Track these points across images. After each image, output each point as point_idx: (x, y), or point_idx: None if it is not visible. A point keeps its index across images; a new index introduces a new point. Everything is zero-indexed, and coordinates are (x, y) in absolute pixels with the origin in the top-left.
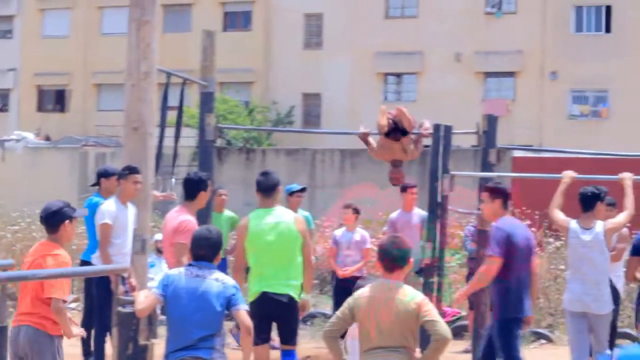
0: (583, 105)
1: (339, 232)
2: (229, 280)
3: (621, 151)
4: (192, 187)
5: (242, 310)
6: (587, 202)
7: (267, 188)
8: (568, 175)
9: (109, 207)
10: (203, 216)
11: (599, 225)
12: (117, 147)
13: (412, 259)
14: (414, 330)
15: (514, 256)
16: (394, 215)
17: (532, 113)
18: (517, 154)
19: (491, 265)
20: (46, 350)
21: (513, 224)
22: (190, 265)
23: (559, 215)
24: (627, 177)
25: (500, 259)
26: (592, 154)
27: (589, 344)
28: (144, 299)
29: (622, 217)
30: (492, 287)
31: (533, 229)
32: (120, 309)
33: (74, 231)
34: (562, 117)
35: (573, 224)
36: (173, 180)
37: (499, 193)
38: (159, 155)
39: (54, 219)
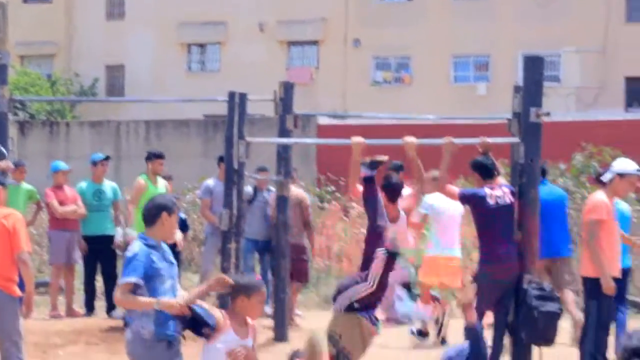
0: (386, 72)
1: (211, 182)
2: None
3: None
4: None
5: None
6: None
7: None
8: (356, 141)
9: None
10: None
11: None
12: None
13: None
14: None
15: None
16: (210, 182)
17: (336, 80)
18: (322, 121)
19: None
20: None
21: None
22: None
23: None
24: (411, 146)
25: None
26: (391, 118)
27: None
28: None
29: (403, 202)
30: None
31: (338, 193)
32: None
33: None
34: (366, 84)
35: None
36: None
37: None
38: None
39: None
